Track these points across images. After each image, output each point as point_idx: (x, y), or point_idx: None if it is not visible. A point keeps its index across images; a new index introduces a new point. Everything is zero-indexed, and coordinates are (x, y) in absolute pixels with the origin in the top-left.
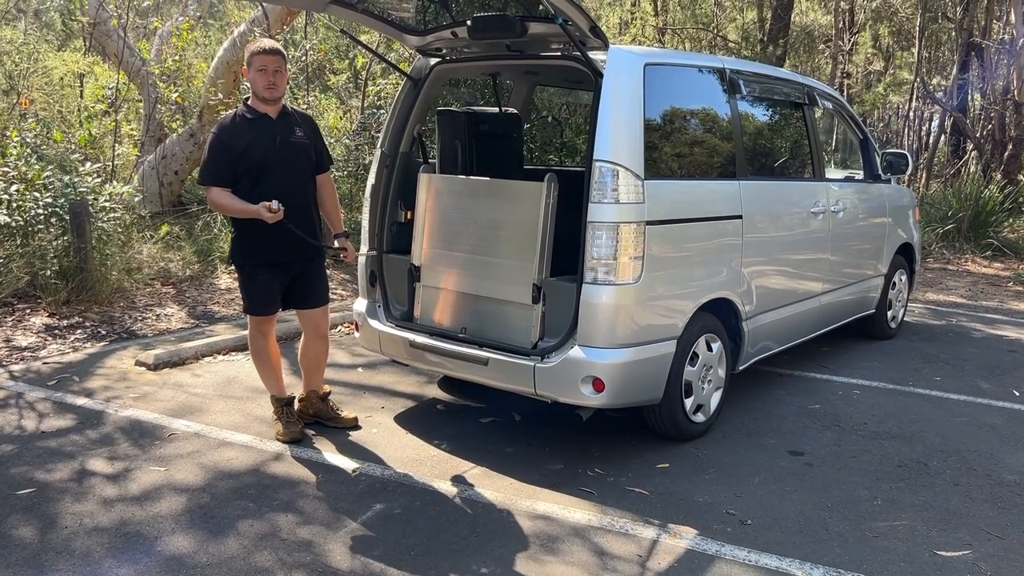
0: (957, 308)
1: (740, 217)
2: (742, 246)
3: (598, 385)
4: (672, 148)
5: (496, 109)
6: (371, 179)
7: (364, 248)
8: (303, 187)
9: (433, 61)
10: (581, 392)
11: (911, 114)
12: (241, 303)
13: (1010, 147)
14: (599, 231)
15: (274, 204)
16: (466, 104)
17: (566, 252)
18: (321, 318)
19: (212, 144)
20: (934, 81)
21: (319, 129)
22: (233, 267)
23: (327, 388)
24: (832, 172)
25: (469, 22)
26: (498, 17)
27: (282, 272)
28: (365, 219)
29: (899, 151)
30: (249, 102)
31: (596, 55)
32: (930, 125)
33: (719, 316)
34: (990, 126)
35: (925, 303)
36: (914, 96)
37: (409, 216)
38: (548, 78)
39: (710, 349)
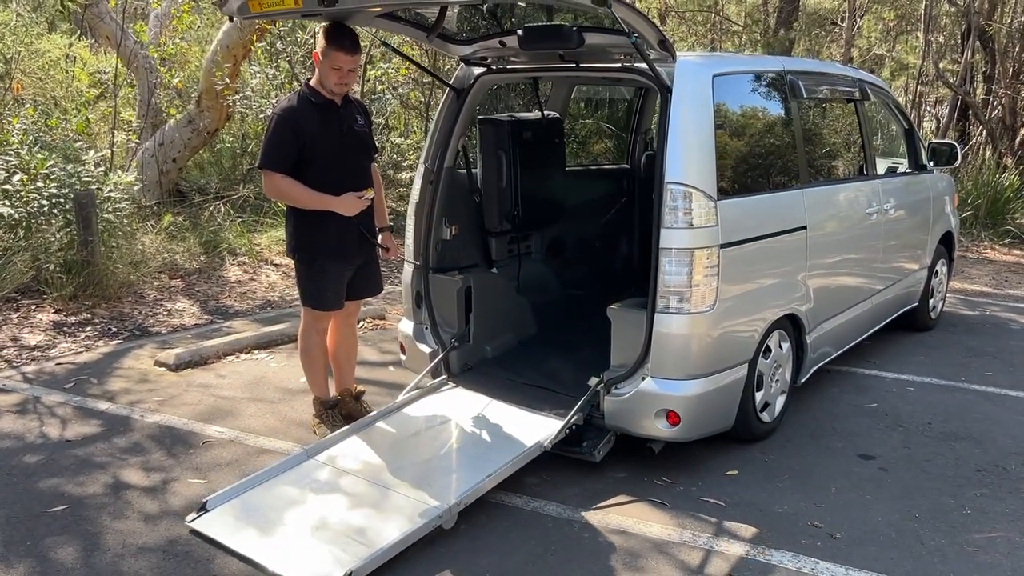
0: (986, 297)
1: (804, 228)
2: (807, 257)
3: (673, 418)
4: (741, 163)
5: (538, 114)
6: (414, 195)
7: (409, 268)
8: (366, 177)
9: (477, 71)
10: (655, 426)
11: (918, 99)
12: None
13: (1022, 132)
14: (671, 257)
15: (369, 193)
16: (497, 107)
17: (605, 256)
18: (356, 307)
19: (278, 127)
20: (940, 65)
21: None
22: (296, 260)
23: (360, 387)
24: (878, 163)
25: (520, 32)
26: (553, 27)
27: (351, 265)
28: (409, 237)
29: (947, 141)
30: (312, 84)
31: (660, 67)
32: (934, 110)
33: (784, 329)
34: (996, 111)
35: (952, 292)
36: (920, 80)
37: (455, 232)
38: (588, 78)
39: (780, 348)
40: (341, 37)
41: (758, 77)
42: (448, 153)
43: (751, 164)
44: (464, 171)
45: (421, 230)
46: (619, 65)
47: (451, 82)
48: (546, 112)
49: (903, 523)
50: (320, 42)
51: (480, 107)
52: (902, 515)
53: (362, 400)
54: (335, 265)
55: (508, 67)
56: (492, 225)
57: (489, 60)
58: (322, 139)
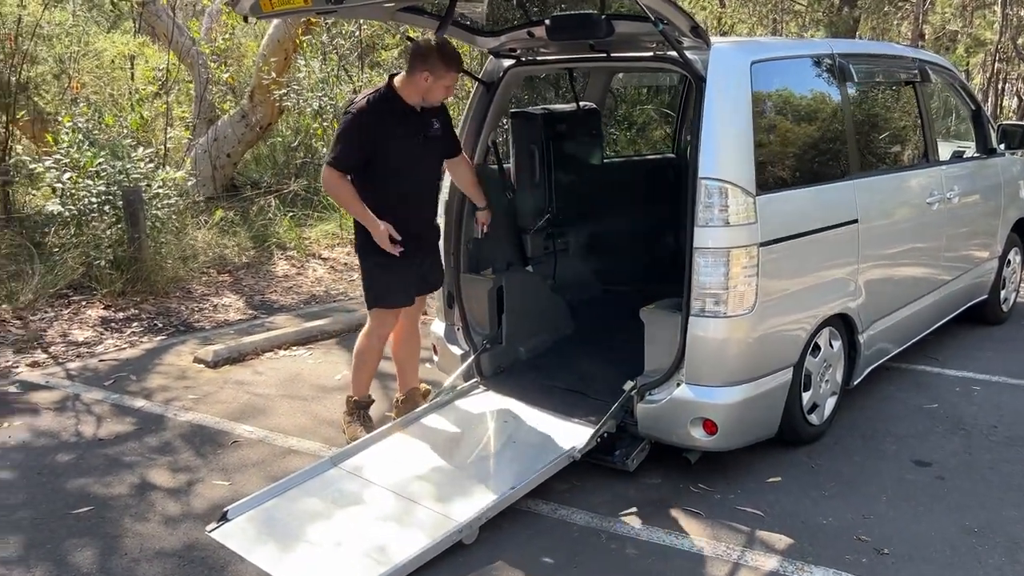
0: None
1: (856, 221)
2: (859, 252)
3: (709, 427)
4: (783, 154)
5: (573, 106)
6: (444, 194)
7: None
8: (434, 184)
9: (507, 63)
10: (691, 435)
11: (995, 76)
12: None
13: None
14: (707, 257)
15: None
16: (535, 99)
17: (647, 251)
18: (421, 305)
19: (352, 126)
20: (1019, 40)
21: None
22: (360, 258)
23: (426, 386)
24: (941, 147)
25: (548, 22)
26: (581, 16)
27: (419, 261)
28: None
29: (1019, 122)
30: (397, 88)
31: (694, 55)
32: (1015, 87)
33: (834, 327)
34: None
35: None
36: (997, 57)
37: (486, 230)
38: (620, 68)
39: (831, 346)
40: (459, 61)
41: (802, 62)
42: (478, 148)
43: (795, 156)
44: (496, 167)
45: (451, 229)
46: (651, 54)
47: (480, 75)
48: (582, 103)
49: (959, 537)
50: (430, 62)
51: (514, 99)
52: (958, 529)
53: (428, 398)
54: (402, 262)
55: (538, 58)
56: (525, 222)
57: (518, 52)
58: (398, 147)
